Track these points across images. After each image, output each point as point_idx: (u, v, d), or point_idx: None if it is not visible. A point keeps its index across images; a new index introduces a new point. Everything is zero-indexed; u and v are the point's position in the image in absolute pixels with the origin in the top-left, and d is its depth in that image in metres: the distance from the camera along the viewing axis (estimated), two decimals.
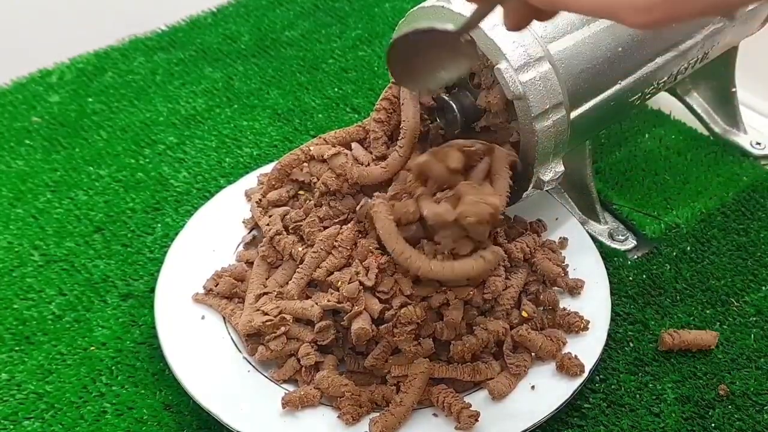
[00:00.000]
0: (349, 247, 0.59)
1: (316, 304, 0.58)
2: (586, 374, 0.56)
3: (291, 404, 0.55)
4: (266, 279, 0.62)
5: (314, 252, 0.59)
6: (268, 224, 0.63)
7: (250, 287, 0.61)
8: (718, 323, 0.64)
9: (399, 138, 0.61)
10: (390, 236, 0.55)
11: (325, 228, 0.61)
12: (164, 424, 0.58)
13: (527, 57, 0.55)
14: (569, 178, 0.67)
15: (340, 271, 0.59)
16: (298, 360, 0.57)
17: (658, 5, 0.34)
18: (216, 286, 0.63)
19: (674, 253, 0.69)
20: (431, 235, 0.56)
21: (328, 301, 0.57)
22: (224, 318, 0.62)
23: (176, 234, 0.68)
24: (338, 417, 0.55)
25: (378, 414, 0.54)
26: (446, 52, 0.50)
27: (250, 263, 0.64)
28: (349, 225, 0.60)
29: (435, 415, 0.56)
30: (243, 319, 0.59)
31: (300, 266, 0.60)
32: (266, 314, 0.57)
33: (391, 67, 0.52)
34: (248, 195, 0.70)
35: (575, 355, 0.57)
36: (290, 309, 0.58)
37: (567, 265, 0.64)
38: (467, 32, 0.47)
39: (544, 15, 0.43)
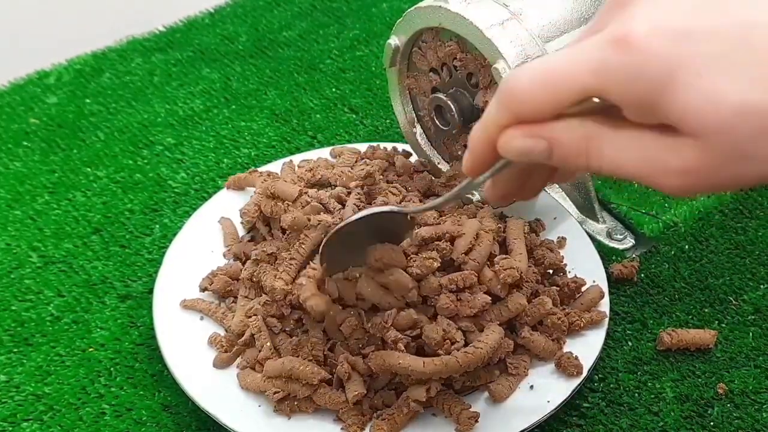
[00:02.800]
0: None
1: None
2: (584, 374, 0.56)
3: (283, 412, 0.56)
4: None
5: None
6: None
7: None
8: (717, 322, 0.64)
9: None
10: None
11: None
12: (163, 425, 0.58)
13: (524, 56, 0.55)
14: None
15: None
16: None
17: (692, 169, 0.32)
18: (211, 284, 0.63)
19: (672, 252, 0.69)
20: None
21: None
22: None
23: (174, 235, 0.68)
24: (342, 429, 0.55)
25: (379, 419, 0.54)
26: (385, 231, 0.52)
27: (245, 259, 0.64)
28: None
29: (434, 415, 0.56)
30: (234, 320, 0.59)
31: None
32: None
33: (323, 259, 0.53)
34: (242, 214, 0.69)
35: (575, 355, 0.57)
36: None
37: (566, 264, 0.64)
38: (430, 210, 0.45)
39: (559, 177, 0.40)
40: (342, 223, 0.52)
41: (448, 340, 0.54)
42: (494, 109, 0.35)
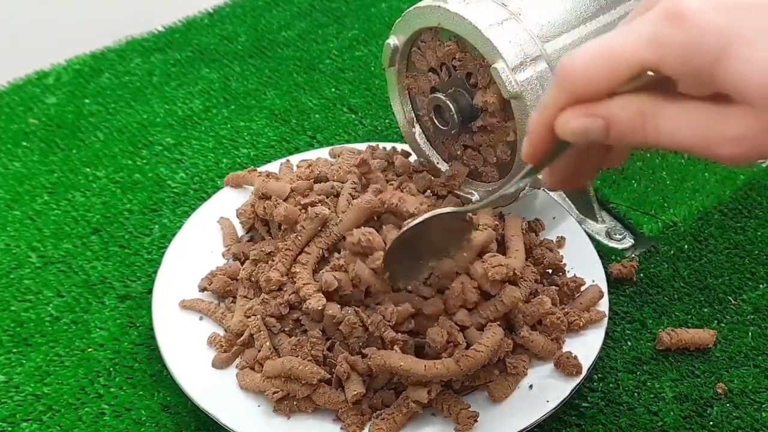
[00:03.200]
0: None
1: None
2: (584, 373, 0.56)
3: (282, 411, 0.56)
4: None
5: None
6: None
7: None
8: (716, 322, 0.64)
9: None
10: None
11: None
12: (162, 425, 0.58)
13: (524, 56, 0.55)
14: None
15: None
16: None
17: (748, 136, 0.33)
18: (210, 284, 0.63)
19: (672, 252, 0.69)
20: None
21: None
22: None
23: (174, 235, 0.68)
24: (341, 429, 0.55)
25: (379, 419, 0.54)
26: (443, 234, 0.53)
27: (245, 259, 0.64)
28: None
29: (433, 414, 0.56)
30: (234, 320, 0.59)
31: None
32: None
33: (386, 268, 0.54)
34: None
35: (574, 355, 0.57)
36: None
37: (565, 264, 0.64)
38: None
39: (613, 158, 0.41)
40: (403, 229, 0.52)
41: (451, 343, 0.54)
42: (552, 92, 0.36)
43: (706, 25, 0.32)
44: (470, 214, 0.53)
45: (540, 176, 0.41)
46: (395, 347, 0.54)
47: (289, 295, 0.57)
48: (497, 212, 0.64)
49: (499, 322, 0.56)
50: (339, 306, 0.56)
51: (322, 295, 0.56)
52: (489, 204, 0.52)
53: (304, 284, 0.56)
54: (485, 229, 0.59)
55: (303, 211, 0.60)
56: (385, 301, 0.56)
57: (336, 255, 0.58)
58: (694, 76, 0.33)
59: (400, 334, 0.55)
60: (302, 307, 0.57)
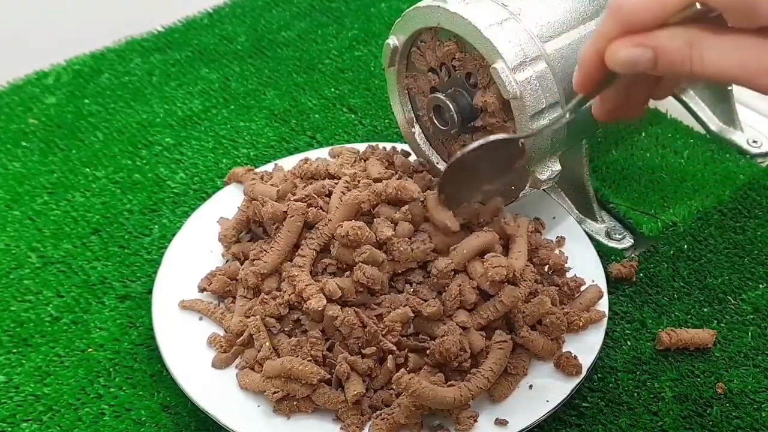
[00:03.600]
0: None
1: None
2: (584, 373, 0.56)
3: (282, 411, 0.56)
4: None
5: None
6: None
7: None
8: (716, 321, 0.64)
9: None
10: None
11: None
12: (162, 426, 0.58)
13: (523, 56, 0.55)
14: (566, 176, 0.67)
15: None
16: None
17: None
18: (209, 285, 0.63)
19: (671, 252, 0.69)
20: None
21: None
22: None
23: (173, 235, 0.68)
24: (341, 429, 0.55)
25: (378, 419, 0.54)
26: (497, 162, 0.54)
27: (244, 258, 0.64)
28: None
29: (433, 414, 0.56)
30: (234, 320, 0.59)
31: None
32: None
33: (441, 191, 0.56)
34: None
35: (574, 355, 0.57)
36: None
37: (565, 264, 0.64)
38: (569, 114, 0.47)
39: (660, 91, 0.42)
40: (458, 154, 0.52)
41: (462, 351, 0.54)
42: (603, 23, 0.37)
43: None
44: (522, 141, 0.54)
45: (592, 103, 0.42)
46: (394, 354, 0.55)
47: (289, 295, 0.57)
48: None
49: (495, 317, 0.57)
50: (339, 306, 0.56)
51: (323, 296, 0.56)
52: (540, 132, 0.54)
53: (306, 285, 0.56)
54: (490, 230, 0.59)
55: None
56: (385, 301, 0.56)
57: (328, 258, 0.59)
58: (739, 8, 0.34)
59: (397, 343, 0.55)
60: (302, 308, 0.57)
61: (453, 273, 0.57)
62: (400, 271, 0.58)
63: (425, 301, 0.56)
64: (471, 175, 0.55)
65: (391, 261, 0.57)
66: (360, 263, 0.56)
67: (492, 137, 0.52)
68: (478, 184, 0.56)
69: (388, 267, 0.57)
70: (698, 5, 0.36)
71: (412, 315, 0.55)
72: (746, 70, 0.34)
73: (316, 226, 0.59)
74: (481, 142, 0.51)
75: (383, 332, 0.55)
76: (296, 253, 0.59)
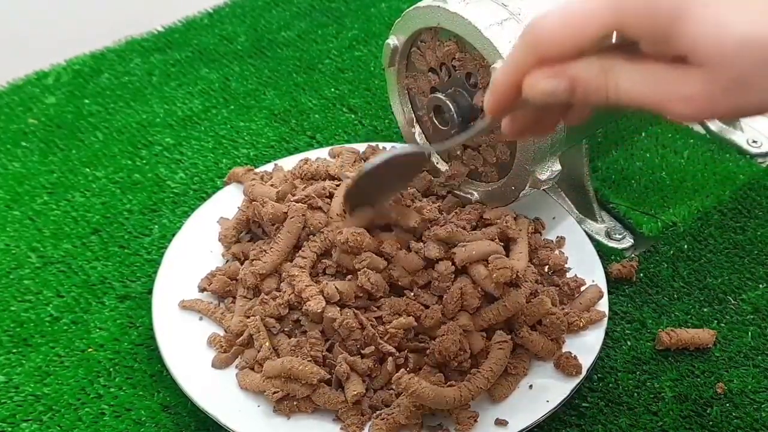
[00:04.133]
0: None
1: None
2: (583, 373, 0.56)
3: (282, 411, 0.56)
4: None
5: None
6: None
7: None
8: (716, 321, 0.64)
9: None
10: None
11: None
12: (162, 426, 0.58)
13: None
14: (566, 177, 0.67)
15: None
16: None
17: (696, 97, 0.34)
18: (210, 285, 0.63)
19: (671, 252, 0.69)
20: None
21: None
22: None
23: (173, 235, 0.68)
24: (341, 429, 0.55)
25: (378, 419, 0.54)
26: (401, 170, 0.55)
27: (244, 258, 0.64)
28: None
29: (433, 414, 0.56)
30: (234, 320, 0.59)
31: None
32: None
33: (347, 204, 0.57)
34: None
35: (573, 355, 0.57)
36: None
37: (565, 264, 0.64)
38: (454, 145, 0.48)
39: (572, 116, 0.42)
40: (361, 172, 0.54)
41: (461, 351, 0.54)
42: (518, 52, 0.37)
43: None
44: (428, 153, 0.56)
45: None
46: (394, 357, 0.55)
47: (289, 295, 0.57)
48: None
49: (497, 321, 0.57)
50: (338, 309, 0.56)
51: (322, 298, 0.56)
52: (448, 147, 0.54)
53: (306, 286, 0.56)
54: (493, 238, 0.59)
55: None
56: (385, 305, 0.56)
57: (328, 260, 0.59)
58: (653, 38, 0.34)
59: (398, 345, 0.56)
60: (302, 309, 0.57)
61: (454, 276, 0.57)
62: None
63: (426, 307, 0.56)
64: (376, 184, 0.56)
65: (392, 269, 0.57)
66: (365, 269, 0.56)
67: (398, 151, 0.54)
68: (383, 191, 0.57)
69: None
70: (614, 35, 0.36)
71: (414, 323, 0.55)
72: (657, 96, 0.35)
73: (320, 230, 0.59)
74: (386, 156, 0.53)
75: (384, 337, 0.55)
76: (297, 254, 0.59)
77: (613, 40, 0.36)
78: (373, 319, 0.56)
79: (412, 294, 0.57)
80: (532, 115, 0.42)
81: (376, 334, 0.55)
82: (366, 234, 0.56)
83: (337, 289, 0.56)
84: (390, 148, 0.55)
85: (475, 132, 0.46)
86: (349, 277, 0.57)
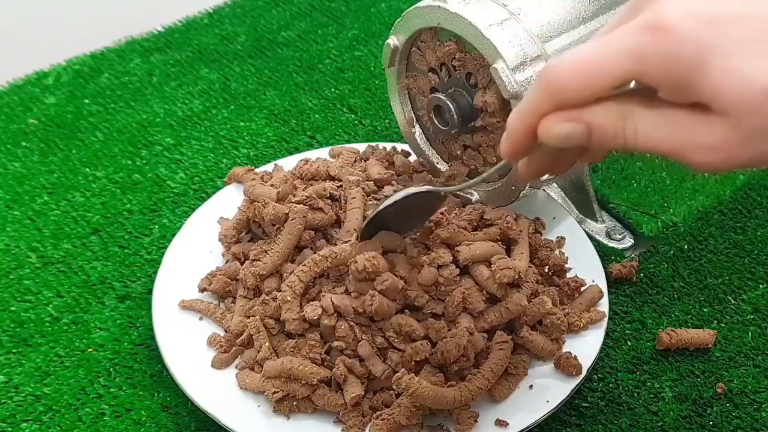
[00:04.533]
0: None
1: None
2: (584, 373, 0.56)
3: (282, 411, 0.56)
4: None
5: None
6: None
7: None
8: (716, 321, 0.64)
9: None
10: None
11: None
12: (162, 426, 0.58)
13: (523, 56, 0.55)
14: (566, 177, 0.67)
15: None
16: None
17: (720, 145, 0.33)
18: (210, 285, 0.63)
19: (671, 252, 0.69)
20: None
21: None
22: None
23: (173, 235, 0.68)
24: (342, 431, 0.55)
25: (379, 419, 0.54)
26: (418, 208, 0.55)
27: (244, 259, 0.64)
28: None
29: (433, 414, 0.56)
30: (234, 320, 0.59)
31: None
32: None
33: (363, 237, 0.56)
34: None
35: (574, 355, 0.57)
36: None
37: (566, 264, 0.64)
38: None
39: (589, 157, 0.42)
40: (379, 208, 0.53)
41: (462, 357, 0.54)
42: (534, 96, 0.36)
43: (685, 36, 0.32)
44: (444, 193, 0.55)
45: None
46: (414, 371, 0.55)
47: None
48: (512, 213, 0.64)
49: (499, 323, 0.57)
50: (335, 319, 0.55)
51: (319, 304, 0.55)
52: (465, 187, 0.53)
53: (285, 302, 0.56)
54: (495, 238, 0.59)
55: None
56: (388, 325, 0.56)
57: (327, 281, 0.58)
58: (674, 86, 0.34)
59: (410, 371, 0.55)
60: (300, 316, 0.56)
61: (459, 278, 0.57)
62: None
63: (435, 315, 0.56)
64: (392, 223, 0.55)
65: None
66: (375, 292, 0.55)
67: (412, 190, 0.53)
68: (399, 229, 0.57)
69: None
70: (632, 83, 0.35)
71: (429, 349, 0.55)
72: (677, 144, 0.34)
73: (320, 252, 0.57)
74: (401, 195, 0.52)
75: (393, 364, 0.55)
76: (293, 271, 0.58)
77: (631, 86, 0.36)
78: (379, 340, 0.56)
79: (429, 312, 0.56)
80: (549, 157, 0.41)
81: (373, 353, 0.55)
82: (380, 256, 0.55)
83: (333, 303, 0.55)
84: (403, 189, 0.54)
85: (489, 174, 0.46)
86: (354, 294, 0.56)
